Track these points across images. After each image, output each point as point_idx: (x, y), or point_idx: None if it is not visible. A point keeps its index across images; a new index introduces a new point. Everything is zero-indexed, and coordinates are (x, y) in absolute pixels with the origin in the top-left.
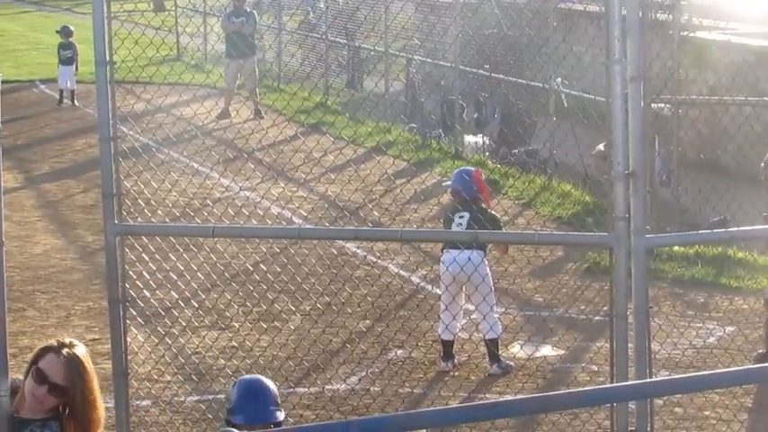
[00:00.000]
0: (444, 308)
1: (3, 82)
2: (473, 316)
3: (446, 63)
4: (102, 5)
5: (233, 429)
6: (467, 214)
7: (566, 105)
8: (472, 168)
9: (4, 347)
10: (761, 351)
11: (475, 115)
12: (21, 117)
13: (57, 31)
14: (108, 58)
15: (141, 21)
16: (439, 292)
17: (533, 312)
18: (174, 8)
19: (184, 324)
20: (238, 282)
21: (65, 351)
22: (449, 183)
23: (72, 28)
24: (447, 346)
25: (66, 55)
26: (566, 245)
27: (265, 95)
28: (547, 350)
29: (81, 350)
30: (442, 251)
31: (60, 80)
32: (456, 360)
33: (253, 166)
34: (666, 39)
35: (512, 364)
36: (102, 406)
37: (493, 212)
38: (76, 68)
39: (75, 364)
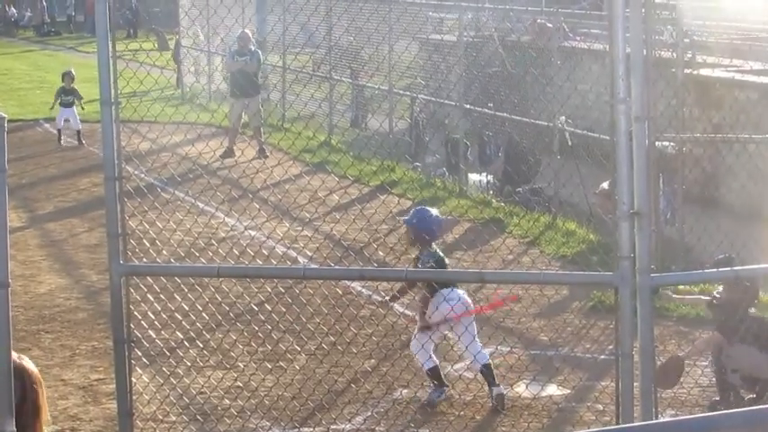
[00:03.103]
0: (424, 342)
1: (7, 121)
2: (455, 348)
3: (450, 102)
4: (108, 45)
5: None
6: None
7: (570, 144)
8: (423, 208)
9: (9, 388)
10: (715, 399)
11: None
12: (25, 156)
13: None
14: (113, 98)
15: (146, 60)
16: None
17: (539, 351)
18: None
19: (189, 364)
20: (243, 321)
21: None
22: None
23: (74, 72)
24: (435, 373)
25: (68, 100)
26: (571, 284)
27: (270, 134)
28: (552, 389)
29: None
30: (435, 292)
31: (58, 118)
32: (449, 387)
33: (258, 205)
34: (670, 77)
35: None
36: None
37: (440, 253)
38: (82, 107)
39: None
